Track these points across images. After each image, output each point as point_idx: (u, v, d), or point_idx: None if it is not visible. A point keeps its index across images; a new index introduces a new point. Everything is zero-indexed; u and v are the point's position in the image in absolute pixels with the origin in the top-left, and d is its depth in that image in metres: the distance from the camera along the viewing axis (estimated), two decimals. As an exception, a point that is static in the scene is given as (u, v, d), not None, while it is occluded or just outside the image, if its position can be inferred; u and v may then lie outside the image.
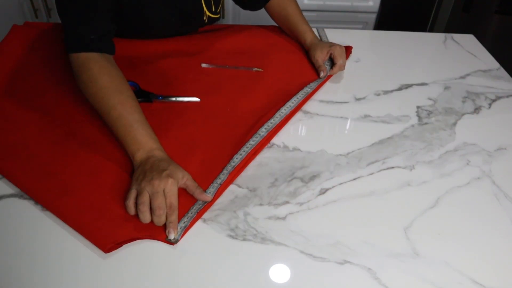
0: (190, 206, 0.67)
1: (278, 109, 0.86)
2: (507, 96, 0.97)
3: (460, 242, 0.65)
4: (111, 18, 0.82)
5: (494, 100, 0.96)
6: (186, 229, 0.64)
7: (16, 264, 0.59)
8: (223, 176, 0.72)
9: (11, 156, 0.74)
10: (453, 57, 1.11)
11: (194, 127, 0.82)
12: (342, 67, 1.00)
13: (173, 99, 0.87)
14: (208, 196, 0.67)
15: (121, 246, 0.62)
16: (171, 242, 0.62)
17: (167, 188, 0.64)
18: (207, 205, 0.68)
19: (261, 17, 1.16)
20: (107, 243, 0.61)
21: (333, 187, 0.73)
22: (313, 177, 0.74)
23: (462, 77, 1.03)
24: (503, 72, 1.06)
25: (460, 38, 1.20)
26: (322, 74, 0.97)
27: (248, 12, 1.11)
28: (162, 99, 0.87)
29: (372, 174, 0.76)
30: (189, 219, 0.65)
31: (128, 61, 0.97)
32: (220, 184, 0.70)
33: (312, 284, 0.59)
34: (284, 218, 0.67)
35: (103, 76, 0.75)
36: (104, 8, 0.80)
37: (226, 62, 0.99)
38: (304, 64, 1.02)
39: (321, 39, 1.08)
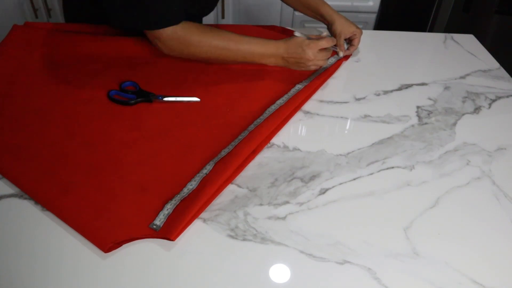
0: (175, 194, 0.67)
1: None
2: (507, 96, 0.97)
3: (460, 242, 0.65)
4: None
5: (494, 100, 0.95)
6: (183, 227, 0.63)
7: (16, 264, 0.59)
8: (209, 167, 0.72)
9: (11, 156, 0.74)
10: (453, 57, 1.11)
11: (194, 127, 0.82)
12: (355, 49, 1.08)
13: (173, 99, 0.87)
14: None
15: (121, 246, 0.62)
16: (169, 239, 0.62)
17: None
18: (201, 201, 0.67)
19: (261, 17, 1.16)
20: (107, 243, 0.61)
21: (333, 187, 0.73)
22: (313, 177, 0.74)
23: (462, 77, 1.03)
24: (503, 72, 1.06)
25: (460, 38, 1.20)
26: (341, 54, 1.03)
27: (248, 12, 1.11)
28: (162, 99, 0.87)
29: (372, 174, 0.75)
30: (172, 206, 0.65)
31: (128, 61, 0.97)
32: (206, 174, 0.70)
33: (312, 284, 0.59)
34: (284, 218, 0.67)
35: (208, 34, 0.89)
36: None
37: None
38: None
39: None
